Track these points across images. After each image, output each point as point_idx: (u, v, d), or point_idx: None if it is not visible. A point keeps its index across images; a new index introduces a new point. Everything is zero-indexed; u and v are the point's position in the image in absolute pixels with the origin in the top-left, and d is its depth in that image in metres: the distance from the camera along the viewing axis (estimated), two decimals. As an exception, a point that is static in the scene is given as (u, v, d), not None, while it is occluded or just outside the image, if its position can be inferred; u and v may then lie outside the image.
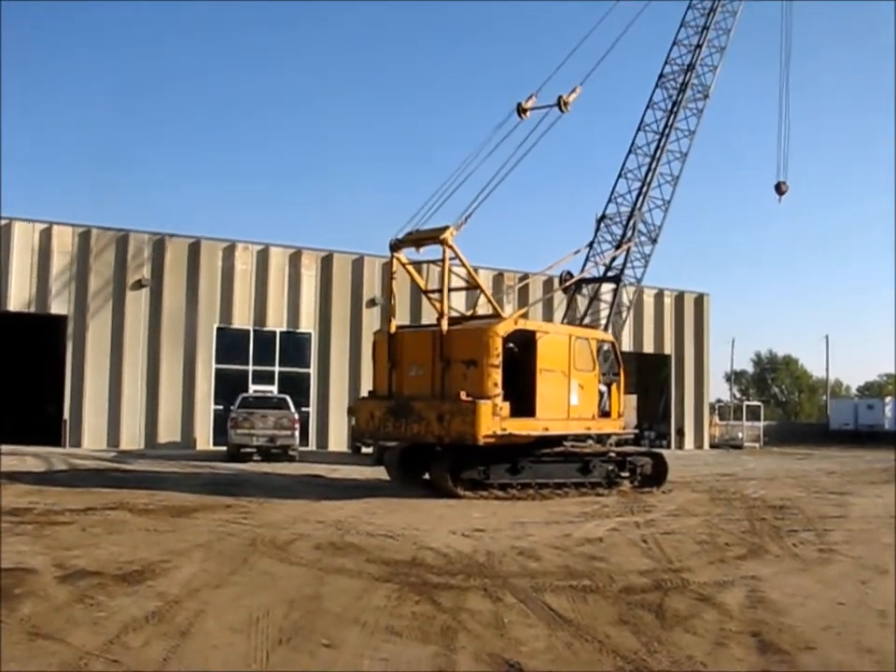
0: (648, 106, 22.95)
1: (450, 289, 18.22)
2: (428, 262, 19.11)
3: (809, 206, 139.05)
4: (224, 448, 26.72)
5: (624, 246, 22.20)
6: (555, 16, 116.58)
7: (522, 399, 16.96)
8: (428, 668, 5.91)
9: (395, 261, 18.45)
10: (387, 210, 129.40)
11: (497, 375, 16.52)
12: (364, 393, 31.36)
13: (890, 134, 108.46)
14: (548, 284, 34.74)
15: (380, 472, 20.52)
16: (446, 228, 17.33)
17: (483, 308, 20.31)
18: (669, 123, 22.67)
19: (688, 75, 22.84)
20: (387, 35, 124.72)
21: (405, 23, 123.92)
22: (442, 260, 17.46)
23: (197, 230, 35.28)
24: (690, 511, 15.06)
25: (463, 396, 16.14)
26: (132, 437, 30.03)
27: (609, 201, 22.58)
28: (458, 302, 22.97)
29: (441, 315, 17.21)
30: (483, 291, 18.92)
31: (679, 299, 41.93)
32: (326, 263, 33.95)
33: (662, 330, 41.11)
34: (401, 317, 32.98)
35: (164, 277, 31.20)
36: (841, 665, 6.16)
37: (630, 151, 22.73)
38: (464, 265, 18.19)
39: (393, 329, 18.05)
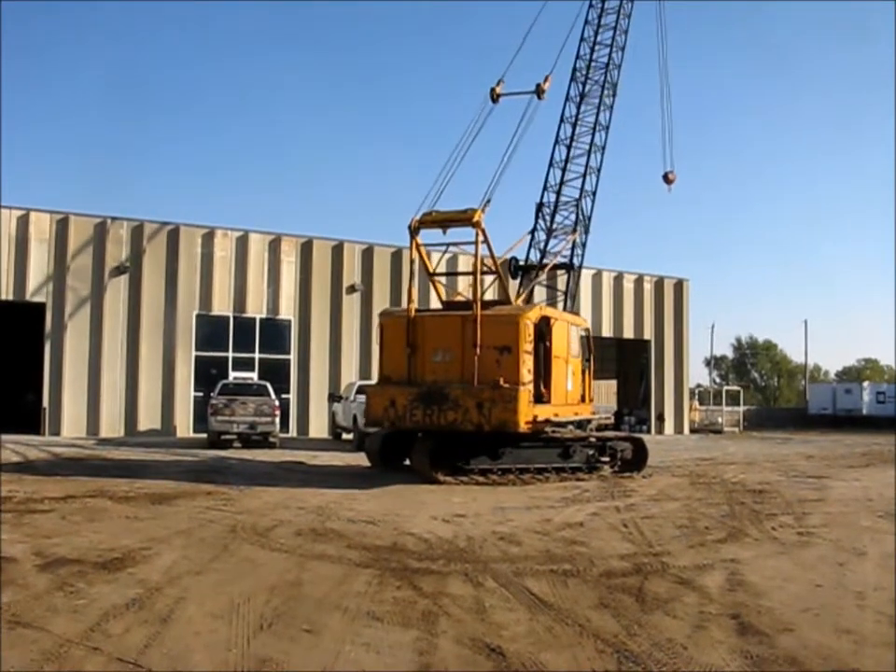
0: (567, 100, 23.15)
1: (450, 273, 18.25)
2: (448, 245, 19.16)
3: (790, 192, 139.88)
4: (204, 435, 26.64)
5: (572, 236, 22.40)
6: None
7: (535, 385, 17.11)
8: (410, 653, 5.93)
9: (414, 243, 18.09)
10: (367, 197, 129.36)
11: (530, 362, 16.64)
12: (347, 378, 31.72)
13: (890, 132, 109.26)
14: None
15: (361, 459, 20.52)
16: (473, 210, 17.24)
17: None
18: (579, 116, 22.94)
19: (590, 71, 23.11)
20: (368, 26, 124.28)
21: (388, 15, 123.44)
22: (475, 243, 17.33)
23: (176, 216, 35.15)
24: (670, 496, 15.13)
25: (502, 382, 16.13)
26: (111, 424, 29.89)
27: (544, 189, 22.79)
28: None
29: (473, 299, 17.17)
30: (500, 275, 18.84)
31: (659, 284, 42.04)
32: (305, 249, 33.81)
33: (642, 316, 41.22)
34: (382, 303, 33.25)
35: (143, 264, 30.99)
36: (819, 646, 6.21)
37: (556, 142, 22.96)
38: (489, 248, 18.08)
39: (412, 313, 17.71)
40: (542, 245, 22.55)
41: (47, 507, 12.28)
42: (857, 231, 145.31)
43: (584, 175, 22.68)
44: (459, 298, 19.35)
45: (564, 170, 22.71)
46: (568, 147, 22.78)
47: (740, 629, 6.61)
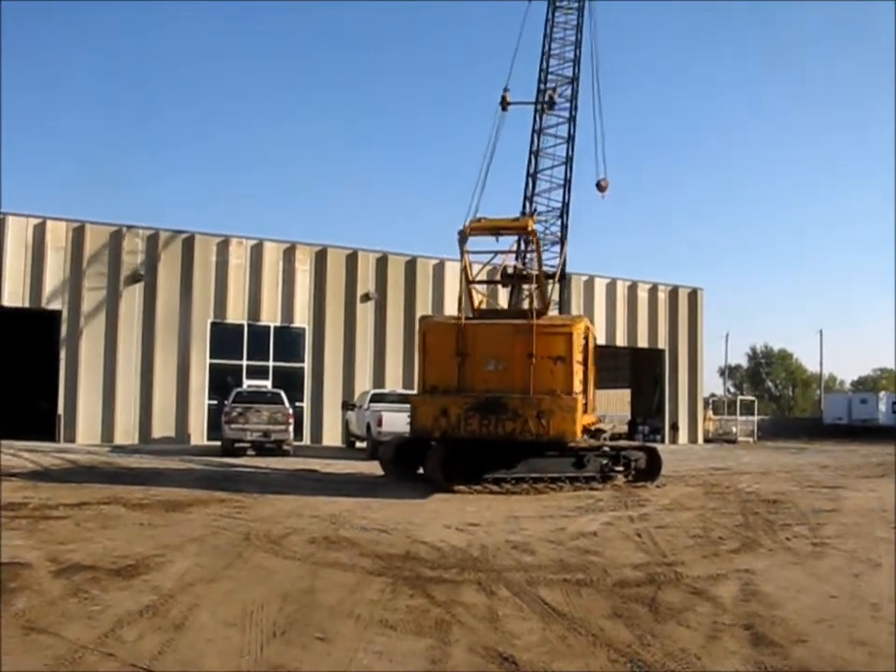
0: (536, 112, 23.22)
1: (476, 282, 18.47)
2: (496, 253, 19.38)
3: (804, 201, 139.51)
4: (218, 443, 26.66)
5: (563, 247, 22.57)
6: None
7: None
8: (423, 661, 5.93)
9: (464, 250, 18.07)
10: (382, 205, 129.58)
11: (581, 372, 16.71)
12: (361, 387, 31.72)
13: (889, 132, 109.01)
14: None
15: (374, 467, 20.54)
16: (526, 218, 17.40)
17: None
18: (542, 127, 22.99)
19: (546, 83, 23.18)
20: (382, 30, 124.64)
21: (399, 19, 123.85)
22: (536, 251, 17.53)
23: (191, 224, 35.16)
24: (684, 506, 15.08)
25: (558, 392, 16.20)
26: (126, 432, 29.98)
27: (524, 199, 22.90)
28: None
29: (530, 309, 17.31)
30: (540, 285, 18.83)
31: (674, 293, 41.94)
32: (320, 258, 33.89)
33: (656, 325, 41.13)
34: (396, 311, 33.35)
35: (158, 272, 31.13)
36: (833, 657, 6.18)
37: (530, 153, 23.04)
38: (538, 256, 18.12)
39: (463, 321, 17.61)
40: (523, 253, 22.70)
41: (61, 513, 12.33)
42: (872, 239, 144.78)
43: (564, 186, 22.75)
44: (482, 305, 19.41)
45: (534, 179, 22.83)
46: (535, 157, 22.88)
47: (754, 640, 6.59)
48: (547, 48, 23.54)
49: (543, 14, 23.71)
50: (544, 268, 22.04)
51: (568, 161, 22.93)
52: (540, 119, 23.03)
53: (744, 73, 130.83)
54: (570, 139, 23.05)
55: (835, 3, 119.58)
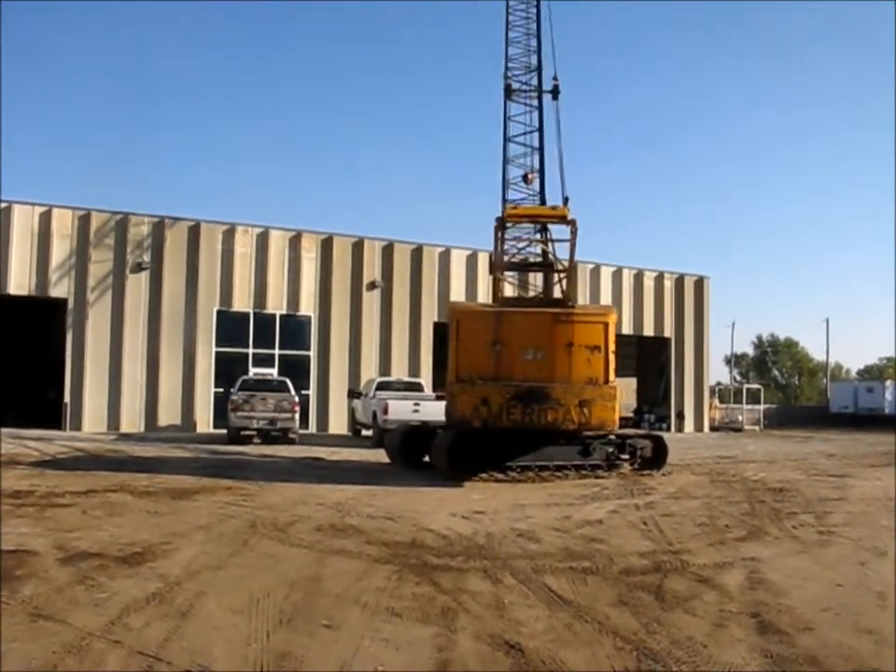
0: (507, 98, 23.13)
1: (508, 269, 18.56)
2: (531, 241, 19.54)
3: (810, 191, 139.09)
4: (224, 431, 26.70)
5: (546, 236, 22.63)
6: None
7: None
8: (429, 648, 5.93)
9: (499, 237, 18.24)
10: (389, 193, 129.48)
11: (614, 361, 16.75)
12: (367, 375, 31.74)
13: (890, 128, 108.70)
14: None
15: (380, 455, 20.56)
16: (563, 207, 17.46)
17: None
18: (509, 115, 22.87)
19: (509, 71, 23.04)
20: (387, 23, 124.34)
21: (411, 11, 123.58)
22: (571, 240, 17.58)
23: (197, 212, 35.02)
24: (690, 494, 15.07)
25: (598, 381, 16.36)
26: (132, 420, 30.03)
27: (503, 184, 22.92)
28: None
29: (566, 297, 17.29)
30: (569, 274, 18.76)
31: (680, 281, 41.79)
32: (326, 246, 33.86)
33: (662, 313, 41.01)
34: (402, 300, 33.33)
35: (164, 260, 31.12)
36: (840, 646, 6.18)
37: (506, 139, 22.98)
38: (572, 246, 18.17)
39: (501, 309, 17.63)
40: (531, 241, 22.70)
41: (68, 501, 12.36)
42: (879, 230, 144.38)
43: (540, 174, 22.64)
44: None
45: (504, 168, 22.78)
46: (505, 145, 22.78)
47: (760, 628, 6.59)
48: (506, 36, 23.43)
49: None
50: (545, 256, 22.02)
51: (541, 149, 22.83)
52: (505, 106, 22.92)
53: (746, 72, 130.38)
54: (540, 129, 22.91)
55: (835, 3, 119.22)
